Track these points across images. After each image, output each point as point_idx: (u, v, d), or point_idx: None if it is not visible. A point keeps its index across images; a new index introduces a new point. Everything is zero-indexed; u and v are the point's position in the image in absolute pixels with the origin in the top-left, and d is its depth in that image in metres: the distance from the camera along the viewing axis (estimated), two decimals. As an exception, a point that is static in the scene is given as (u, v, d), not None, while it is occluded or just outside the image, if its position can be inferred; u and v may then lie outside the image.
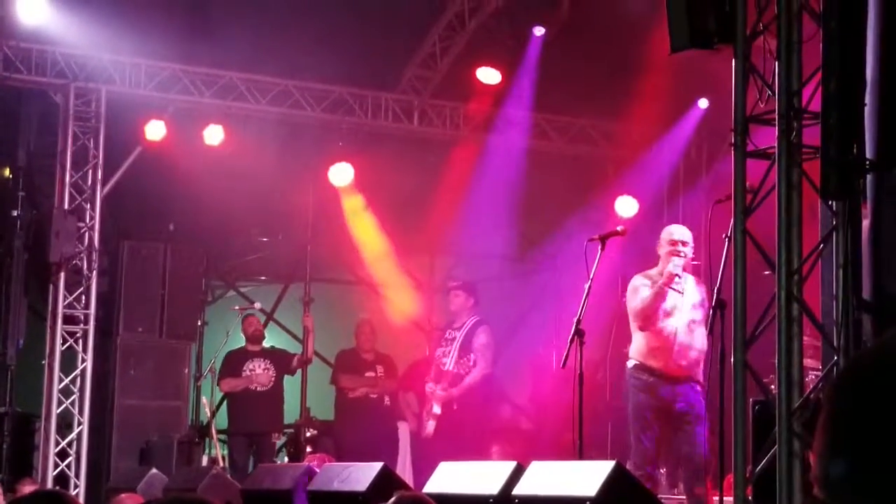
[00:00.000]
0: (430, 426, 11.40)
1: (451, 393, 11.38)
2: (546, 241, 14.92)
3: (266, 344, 13.44)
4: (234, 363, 12.86)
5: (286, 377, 12.95)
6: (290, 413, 13.28)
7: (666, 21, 6.97)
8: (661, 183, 14.38)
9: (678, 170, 14.41)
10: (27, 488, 10.31)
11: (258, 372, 12.79)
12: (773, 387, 6.63)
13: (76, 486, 12.32)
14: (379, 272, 15.19)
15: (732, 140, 6.57)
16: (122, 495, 9.80)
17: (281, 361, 12.94)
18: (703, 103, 13.54)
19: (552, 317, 14.49)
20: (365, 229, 14.57)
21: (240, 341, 13.22)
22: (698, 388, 8.68)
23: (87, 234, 12.75)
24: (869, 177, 6.29)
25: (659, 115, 13.36)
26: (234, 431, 12.73)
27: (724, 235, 7.30)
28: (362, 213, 14.39)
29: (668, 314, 8.84)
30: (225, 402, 13.31)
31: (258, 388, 12.72)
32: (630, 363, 8.96)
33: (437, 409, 11.29)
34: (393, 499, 5.46)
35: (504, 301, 15.66)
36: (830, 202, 6.27)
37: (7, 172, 13.42)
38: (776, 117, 6.35)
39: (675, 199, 14.32)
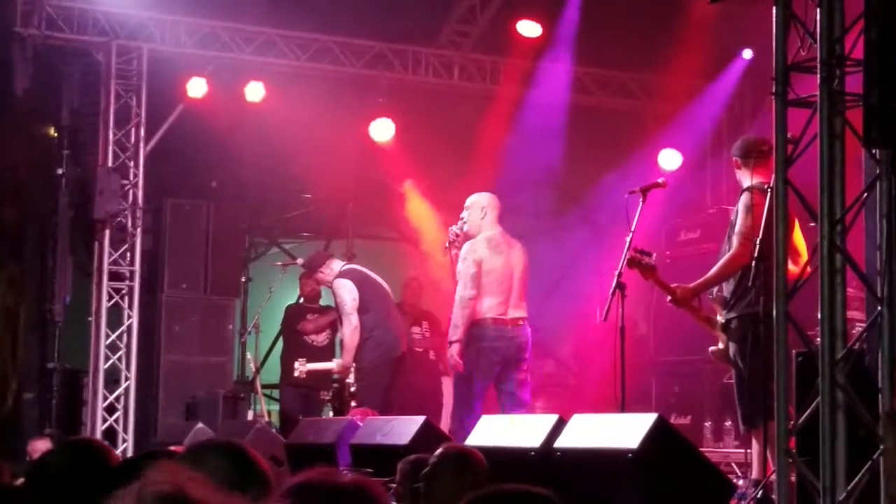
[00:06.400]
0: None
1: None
2: (586, 196, 14.85)
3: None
4: (298, 315, 12.91)
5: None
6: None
7: (706, -29, 6.90)
8: (705, 135, 14.29)
9: (721, 122, 14.30)
10: (40, 444, 10.14)
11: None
12: (816, 339, 6.56)
13: (124, 441, 12.46)
14: (419, 228, 15.18)
15: (773, 89, 6.49)
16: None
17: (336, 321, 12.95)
18: (748, 54, 13.41)
19: (594, 270, 14.43)
20: (406, 185, 14.55)
21: (282, 298, 13.23)
22: None
23: (130, 191, 12.83)
24: (913, 124, 6.20)
25: (700, 67, 13.26)
26: (287, 383, 12.74)
27: (766, 186, 7.26)
28: (403, 168, 14.37)
29: None
30: (279, 357, 13.30)
31: (315, 344, 12.76)
32: None
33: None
34: (440, 450, 5.50)
35: (545, 256, 15.63)
36: (873, 150, 6.20)
37: (52, 131, 13.50)
38: (818, 65, 6.27)
39: (718, 151, 14.24)
